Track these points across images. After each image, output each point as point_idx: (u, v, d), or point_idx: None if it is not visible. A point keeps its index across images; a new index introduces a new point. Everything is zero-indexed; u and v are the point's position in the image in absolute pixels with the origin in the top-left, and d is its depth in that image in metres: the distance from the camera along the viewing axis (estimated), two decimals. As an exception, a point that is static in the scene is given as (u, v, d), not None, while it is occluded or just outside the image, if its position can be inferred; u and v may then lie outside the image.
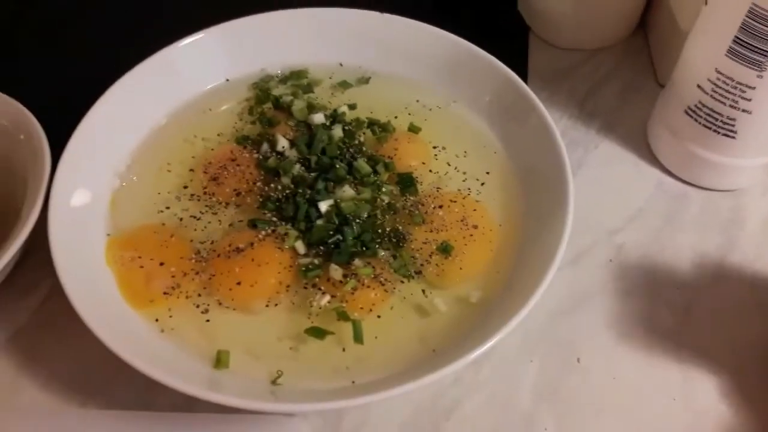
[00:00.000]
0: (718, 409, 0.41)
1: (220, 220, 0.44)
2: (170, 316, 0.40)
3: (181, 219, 0.44)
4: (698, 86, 0.46)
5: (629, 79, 0.59)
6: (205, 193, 0.45)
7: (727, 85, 0.44)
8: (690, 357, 0.43)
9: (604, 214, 0.49)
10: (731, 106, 0.45)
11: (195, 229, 0.43)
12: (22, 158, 0.46)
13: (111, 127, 0.46)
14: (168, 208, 0.45)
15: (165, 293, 0.40)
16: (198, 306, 0.40)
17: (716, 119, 0.46)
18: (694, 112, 0.47)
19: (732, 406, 0.41)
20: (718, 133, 0.47)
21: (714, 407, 0.41)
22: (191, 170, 0.46)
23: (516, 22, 0.63)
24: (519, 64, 0.58)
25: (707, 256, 0.47)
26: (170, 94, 0.50)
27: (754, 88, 0.43)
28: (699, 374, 0.42)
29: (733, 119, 0.45)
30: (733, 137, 0.46)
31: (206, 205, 0.45)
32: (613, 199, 0.50)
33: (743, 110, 0.45)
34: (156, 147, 0.48)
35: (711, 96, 0.45)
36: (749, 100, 0.44)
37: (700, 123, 0.47)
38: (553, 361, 0.42)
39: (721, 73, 0.44)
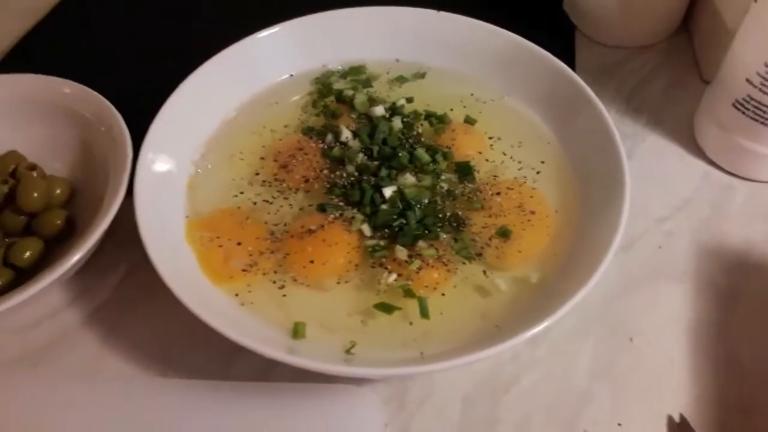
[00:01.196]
0: (764, 393, 0.42)
1: (291, 205, 0.47)
2: (249, 291, 0.43)
3: (254, 203, 0.47)
4: (747, 80, 0.48)
5: (674, 75, 0.61)
6: (275, 179, 0.48)
7: (776, 78, 0.46)
8: (736, 341, 0.44)
9: (653, 204, 0.51)
10: (779, 99, 0.47)
11: (268, 213, 0.46)
12: (103, 149, 0.49)
13: (186, 117, 0.49)
14: (242, 193, 0.48)
15: (243, 270, 0.43)
16: (275, 282, 0.43)
17: (764, 111, 0.48)
18: (742, 105, 0.49)
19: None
20: (766, 125, 0.48)
21: (760, 391, 0.42)
22: (262, 158, 0.49)
23: (562, 20, 0.65)
24: (566, 61, 0.60)
25: (753, 244, 0.49)
26: (239, 88, 0.53)
27: (802, 81, 0.45)
28: (746, 359, 0.43)
29: (781, 112, 0.47)
30: (781, 129, 0.48)
31: (277, 191, 0.48)
32: (662, 190, 0.52)
33: (791, 103, 0.46)
34: (227, 137, 0.51)
35: (760, 89, 0.47)
36: (797, 92, 0.46)
37: (747, 116, 0.49)
38: (608, 340, 0.44)
39: (770, 67, 0.46)
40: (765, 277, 0.47)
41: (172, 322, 0.43)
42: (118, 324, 0.45)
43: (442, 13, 0.54)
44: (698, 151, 0.55)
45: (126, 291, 0.47)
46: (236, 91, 0.52)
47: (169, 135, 0.48)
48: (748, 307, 0.46)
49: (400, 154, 0.47)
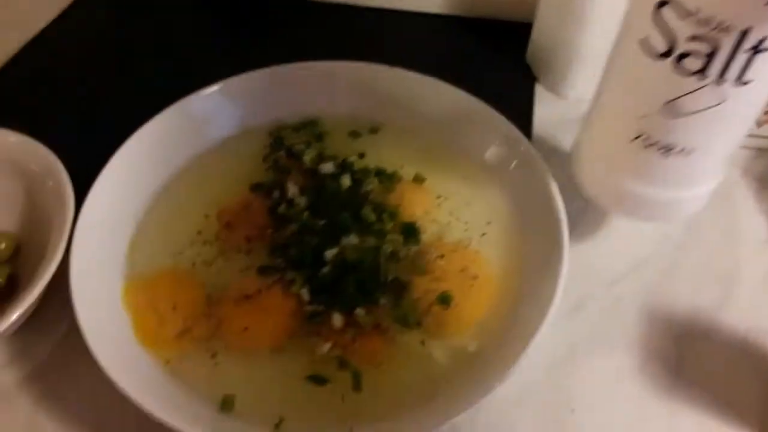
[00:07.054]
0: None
1: (231, 266, 0.46)
2: (180, 359, 0.42)
3: (193, 264, 0.46)
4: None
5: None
6: (217, 239, 0.47)
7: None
8: (681, 411, 0.43)
9: (605, 264, 0.50)
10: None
11: (207, 275, 0.46)
12: (49, 203, 0.48)
13: (132, 173, 0.49)
14: (181, 253, 0.47)
15: (177, 336, 0.43)
16: (207, 350, 0.42)
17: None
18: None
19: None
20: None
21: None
22: (206, 216, 0.49)
23: (523, 72, 0.65)
24: (525, 114, 0.60)
25: (704, 309, 0.48)
26: (190, 141, 0.52)
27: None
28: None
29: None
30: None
31: (218, 251, 0.47)
32: (615, 249, 0.51)
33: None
34: (174, 192, 0.50)
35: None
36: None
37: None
38: (548, 411, 0.43)
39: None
40: (713, 345, 0.47)
41: (109, 388, 0.42)
42: (55, 387, 0.44)
43: (395, 69, 0.54)
44: (653, 210, 0.54)
45: (65, 351, 0.46)
46: (185, 144, 0.52)
47: (112, 194, 0.47)
48: (693, 377, 0.45)
49: (343, 215, 0.47)
